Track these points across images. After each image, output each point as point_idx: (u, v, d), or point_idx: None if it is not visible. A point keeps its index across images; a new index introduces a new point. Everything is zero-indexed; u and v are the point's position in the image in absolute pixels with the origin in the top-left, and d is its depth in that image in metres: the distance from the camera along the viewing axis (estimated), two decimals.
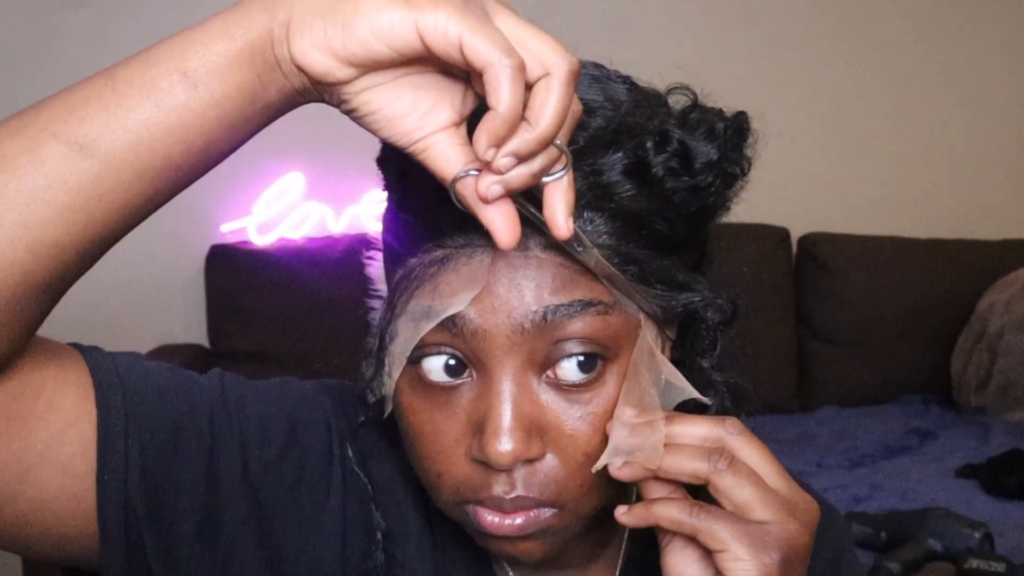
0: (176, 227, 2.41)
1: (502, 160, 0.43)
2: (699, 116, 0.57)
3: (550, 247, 0.51)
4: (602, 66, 0.57)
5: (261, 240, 2.37)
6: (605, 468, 0.53)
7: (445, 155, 0.46)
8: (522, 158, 0.44)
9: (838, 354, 2.54)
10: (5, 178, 0.44)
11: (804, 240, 2.62)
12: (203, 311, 2.36)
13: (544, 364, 0.53)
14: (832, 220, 2.64)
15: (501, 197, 0.45)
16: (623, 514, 0.53)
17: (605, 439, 0.53)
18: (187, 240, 2.38)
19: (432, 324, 0.52)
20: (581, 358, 0.52)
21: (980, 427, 2.28)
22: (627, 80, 0.57)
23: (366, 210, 2.42)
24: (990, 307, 2.44)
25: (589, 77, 0.56)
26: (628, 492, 0.62)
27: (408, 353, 0.53)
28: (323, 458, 0.62)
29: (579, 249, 0.51)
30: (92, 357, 0.55)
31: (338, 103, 0.46)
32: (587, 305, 0.52)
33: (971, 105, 2.81)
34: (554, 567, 0.65)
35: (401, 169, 0.55)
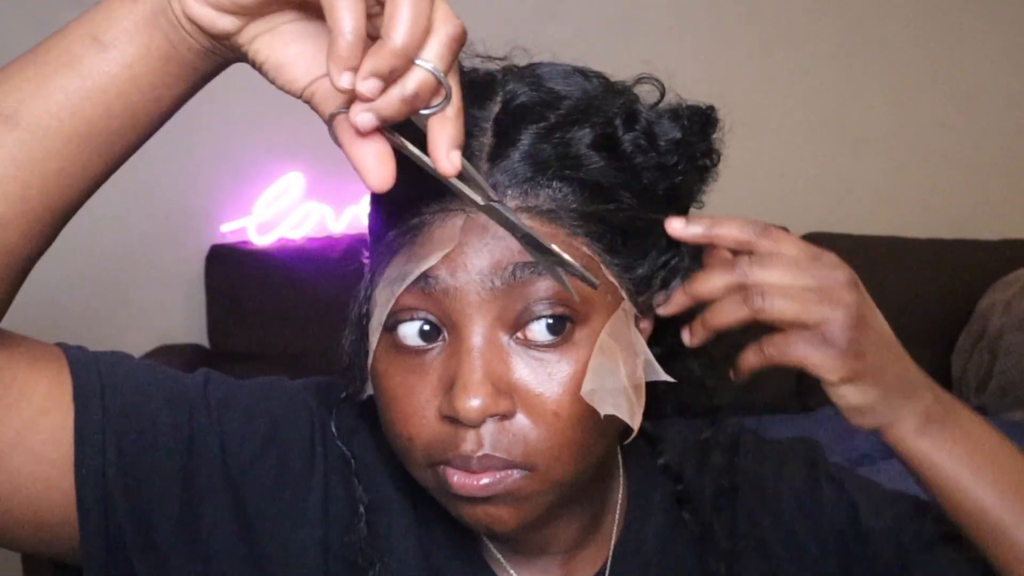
0: (176, 227, 2.42)
1: (364, 83, 0.41)
2: (666, 103, 0.60)
3: (521, 210, 0.53)
4: (582, 68, 0.59)
5: (261, 240, 2.37)
6: (577, 435, 0.54)
7: (327, 100, 0.45)
8: (384, 77, 0.41)
9: None
10: None
11: (804, 240, 2.61)
12: (203, 311, 2.36)
13: (515, 325, 0.54)
14: (832, 220, 2.64)
15: (375, 130, 0.43)
16: (689, 339, 0.59)
17: (574, 399, 0.54)
18: (187, 240, 2.38)
19: (406, 283, 0.54)
20: (550, 320, 0.54)
21: None
22: (601, 76, 0.59)
23: (366, 210, 2.41)
24: (990, 307, 2.44)
25: (566, 71, 0.58)
26: (605, 462, 0.62)
27: (384, 318, 0.55)
28: (305, 452, 0.63)
29: (482, 203, 0.49)
30: (72, 353, 0.57)
31: (242, 56, 0.48)
32: (557, 265, 0.53)
33: (971, 105, 2.81)
34: (542, 552, 0.65)
35: None
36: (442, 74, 0.43)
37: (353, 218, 2.43)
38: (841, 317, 0.56)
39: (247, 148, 2.41)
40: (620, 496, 0.69)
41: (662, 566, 0.68)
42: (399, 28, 0.41)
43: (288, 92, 0.47)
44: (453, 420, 0.54)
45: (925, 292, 2.55)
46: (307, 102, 0.47)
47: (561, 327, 0.54)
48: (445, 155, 0.44)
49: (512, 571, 0.65)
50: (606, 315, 0.56)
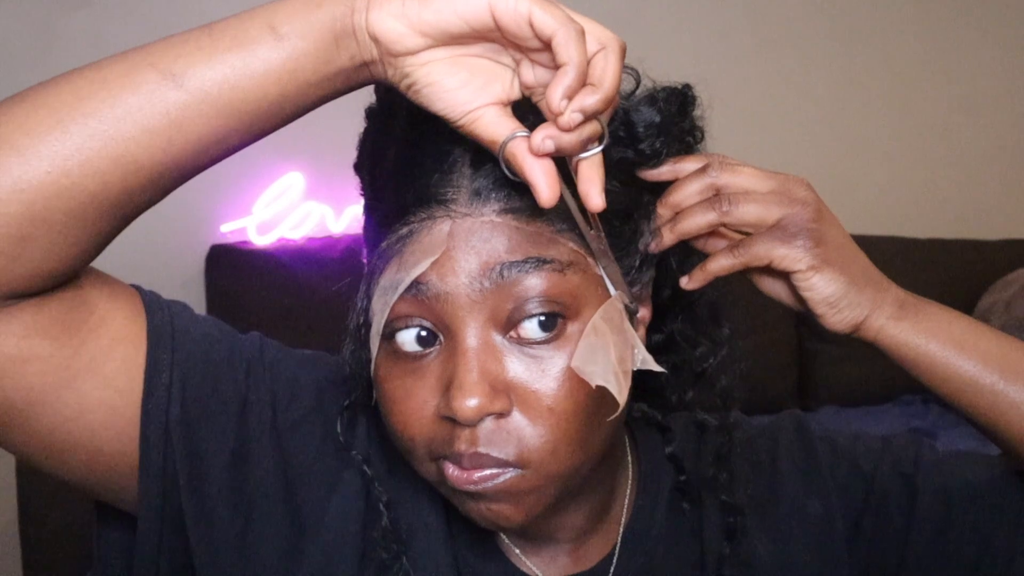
0: (176, 227, 2.41)
1: (571, 115, 0.48)
2: (642, 90, 0.62)
3: (505, 212, 0.55)
4: None
5: (261, 240, 2.37)
6: (572, 429, 0.55)
7: (496, 123, 0.51)
8: (587, 115, 0.48)
9: (838, 354, 2.54)
10: (103, 95, 0.49)
11: None
12: (203, 311, 2.35)
13: (507, 324, 0.55)
14: None
15: (548, 155, 0.49)
16: (687, 283, 0.62)
17: (569, 394, 0.55)
18: (187, 240, 2.38)
19: (399, 293, 0.55)
20: (542, 318, 0.55)
21: None
22: None
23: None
24: (990, 307, 2.44)
25: None
26: (611, 451, 0.63)
27: (382, 328, 0.57)
28: (345, 425, 0.66)
29: (592, 232, 0.55)
30: (147, 295, 0.61)
31: (400, 77, 0.51)
32: (542, 262, 0.55)
33: (971, 105, 2.81)
34: (551, 540, 0.67)
35: (372, 163, 0.60)
36: (607, 128, 0.51)
37: (353, 218, 2.43)
38: (800, 210, 0.60)
39: (247, 148, 2.41)
40: (629, 483, 0.70)
41: (669, 551, 0.69)
42: (611, 79, 0.49)
43: (444, 116, 0.51)
44: (450, 420, 0.55)
45: (925, 292, 2.52)
46: (464, 127, 0.51)
47: (553, 323, 0.55)
48: (597, 193, 0.51)
49: (524, 558, 0.67)
50: (597, 307, 0.57)
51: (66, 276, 0.53)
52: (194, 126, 0.51)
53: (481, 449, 0.55)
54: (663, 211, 0.61)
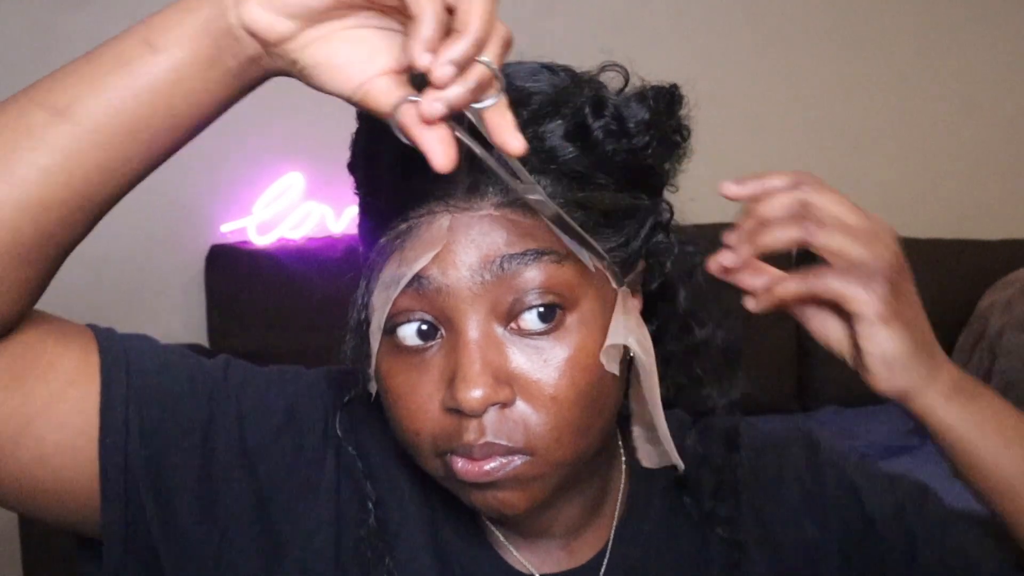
0: (176, 227, 2.42)
1: (441, 68, 0.45)
2: (631, 87, 0.61)
3: (502, 205, 0.55)
4: (548, 64, 0.61)
5: (261, 240, 2.37)
6: (575, 416, 0.56)
7: (386, 91, 0.49)
8: (459, 65, 0.46)
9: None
10: None
11: None
12: (203, 311, 2.36)
13: (507, 316, 0.56)
14: None
15: (441, 118, 0.47)
16: (753, 304, 0.60)
17: (571, 382, 0.56)
18: (187, 240, 2.39)
19: (400, 287, 0.56)
20: (541, 309, 0.56)
21: None
22: (568, 69, 0.61)
23: None
24: (990, 307, 2.44)
25: (532, 68, 0.59)
26: (604, 442, 0.63)
27: (383, 323, 0.57)
28: (319, 436, 0.66)
29: (523, 184, 0.53)
30: (100, 332, 0.61)
31: (289, 64, 0.50)
32: (540, 254, 0.55)
33: (971, 105, 2.81)
34: (544, 534, 0.67)
35: (367, 161, 0.60)
36: (498, 69, 0.48)
37: (353, 218, 2.42)
38: (888, 257, 0.57)
39: (247, 148, 2.41)
40: (622, 480, 0.70)
41: (662, 549, 0.69)
42: (476, 22, 0.46)
43: (337, 93, 0.50)
44: (456, 411, 0.55)
45: (925, 292, 2.52)
46: (358, 102, 0.50)
47: (552, 314, 0.56)
48: (512, 137, 0.49)
49: (516, 553, 0.67)
50: (594, 298, 0.58)
51: (5, 327, 0.53)
52: (91, 156, 0.50)
53: (490, 438, 0.55)
54: (746, 223, 0.59)
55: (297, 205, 2.42)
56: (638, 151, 0.60)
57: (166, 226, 2.42)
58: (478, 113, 0.49)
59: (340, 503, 0.65)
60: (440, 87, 0.46)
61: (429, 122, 0.47)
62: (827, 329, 0.61)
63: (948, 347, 2.52)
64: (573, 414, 0.56)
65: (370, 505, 0.64)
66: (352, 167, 0.63)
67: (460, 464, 0.56)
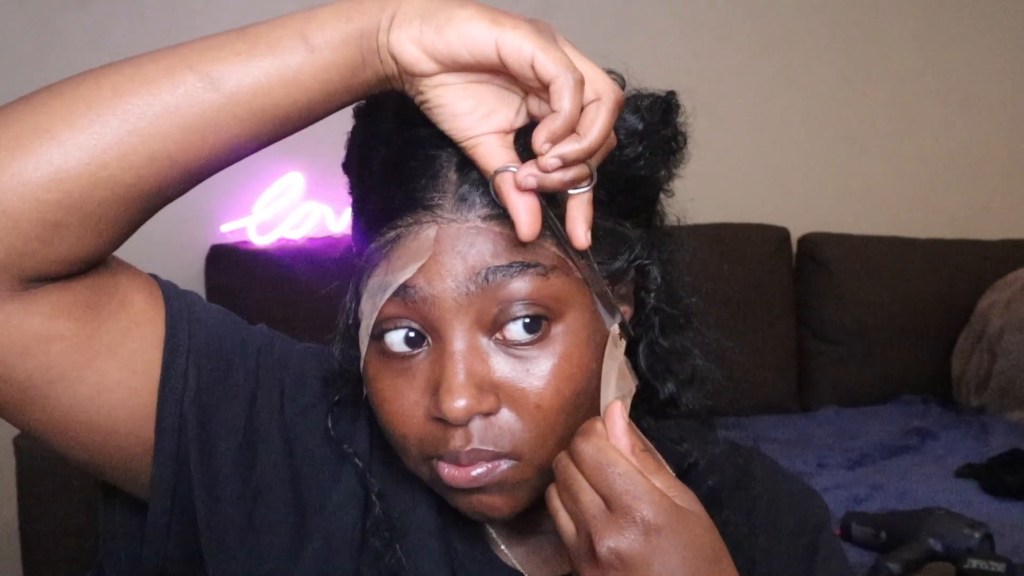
0: (176, 227, 2.41)
1: (550, 159, 0.50)
2: (626, 96, 0.61)
3: (490, 218, 0.56)
4: None
5: (261, 240, 2.37)
6: (560, 423, 0.58)
7: (492, 152, 0.53)
8: (566, 163, 0.51)
9: (838, 354, 2.54)
10: (142, 92, 0.52)
11: (804, 240, 2.62)
12: None
13: (493, 327, 0.57)
14: (832, 220, 2.64)
15: (532, 190, 0.52)
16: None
17: (555, 391, 0.57)
18: (187, 240, 2.38)
19: (387, 296, 0.57)
20: (527, 320, 0.57)
21: (980, 427, 2.28)
22: None
23: None
24: (990, 307, 2.44)
25: None
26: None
27: (371, 328, 0.58)
28: (347, 416, 0.67)
29: (580, 258, 0.56)
30: (164, 283, 0.63)
31: (415, 93, 0.53)
32: (526, 267, 0.56)
33: (971, 105, 2.81)
34: (533, 532, 0.68)
35: (360, 164, 0.61)
36: (596, 171, 0.53)
37: None
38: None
39: None
40: None
41: None
42: (596, 134, 0.51)
43: (452, 136, 0.54)
44: (441, 420, 0.57)
45: (925, 292, 2.55)
46: (467, 150, 0.54)
47: (537, 326, 0.57)
48: (583, 233, 0.54)
49: (507, 551, 0.68)
50: (580, 310, 0.59)
51: (93, 262, 0.55)
52: (228, 127, 0.53)
53: (476, 445, 0.57)
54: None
55: (297, 205, 2.42)
56: (629, 162, 0.60)
57: (166, 226, 2.41)
58: (566, 196, 0.54)
59: (367, 486, 0.66)
60: (543, 170, 0.51)
61: (522, 191, 0.52)
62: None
63: (948, 347, 2.52)
64: (558, 421, 0.58)
65: (373, 496, 0.65)
66: (347, 167, 0.64)
67: (447, 470, 0.57)
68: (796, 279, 2.58)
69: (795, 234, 2.61)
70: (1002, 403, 2.36)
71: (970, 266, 2.59)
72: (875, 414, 2.41)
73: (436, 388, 0.57)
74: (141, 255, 2.41)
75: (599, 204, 0.57)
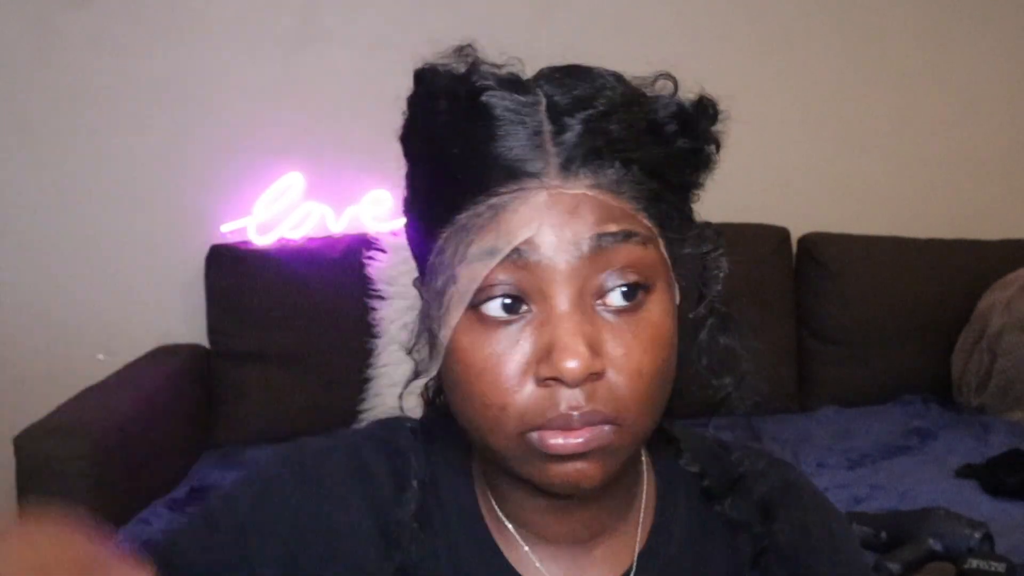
0: (176, 227, 2.42)
1: None
2: (683, 95, 0.64)
3: (594, 187, 0.58)
4: (601, 69, 0.62)
5: (261, 240, 2.37)
6: (655, 390, 0.60)
7: None
8: None
9: (838, 354, 2.54)
10: None
11: (804, 240, 2.62)
12: (203, 311, 2.36)
13: (597, 292, 0.58)
14: (832, 220, 2.64)
15: None
16: None
17: (653, 358, 0.59)
18: (187, 240, 2.38)
19: (499, 258, 0.57)
20: (624, 288, 0.59)
21: (980, 427, 2.28)
22: (620, 75, 0.63)
23: (366, 210, 2.42)
24: (990, 307, 2.44)
25: (594, 69, 0.61)
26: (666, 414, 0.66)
27: (471, 293, 0.58)
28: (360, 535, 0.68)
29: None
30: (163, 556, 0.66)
31: None
32: (630, 235, 0.58)
33: (971, 105, 2.81)
34: (570, 537, 0.68)
35: (438, 143, 0.60)
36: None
37: (353, 218, 2.43)
38: None
39: (247, 148, 2.41)
40: (644, 493, 0.71)
41: (688, 566, 0.70)
42: None
43: None
44: (549, 384, 0.57)
45: (925, 292, 2.55)
46: None
47: (634, 294, 0.59)
48: None
49: (540, 566, 0.68)
50: (665, 284, 0.61)
51: None
52: None
53: (587, 407, 0.57)
54: None
55: (297, 205, 2.42)
56: (694, 154, 0.63)
57: (166, 226, 2.42)
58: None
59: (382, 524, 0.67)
60: None
61: None
62: None
63: (948, 347, 2.52)
64: (654, 388, 0.59)
65: (415, 484, 0.67)
66: (410, 151, 0.64)
67: (553, 440, 0.57)
68: (796, 279, 2.58)
69: (795, 234, 2.61)
70: (1002, 403, 2.36)
71: (970, 266, 2.58)
72: (875, 414, 2.41)
73: (547, 350, 0.57)
74: (141, 255, 2.41)
75: (674, 188, 0.61)
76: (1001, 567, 1.47)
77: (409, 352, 0.64)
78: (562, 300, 0.57)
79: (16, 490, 1.71)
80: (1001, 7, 2.82)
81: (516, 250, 0.57)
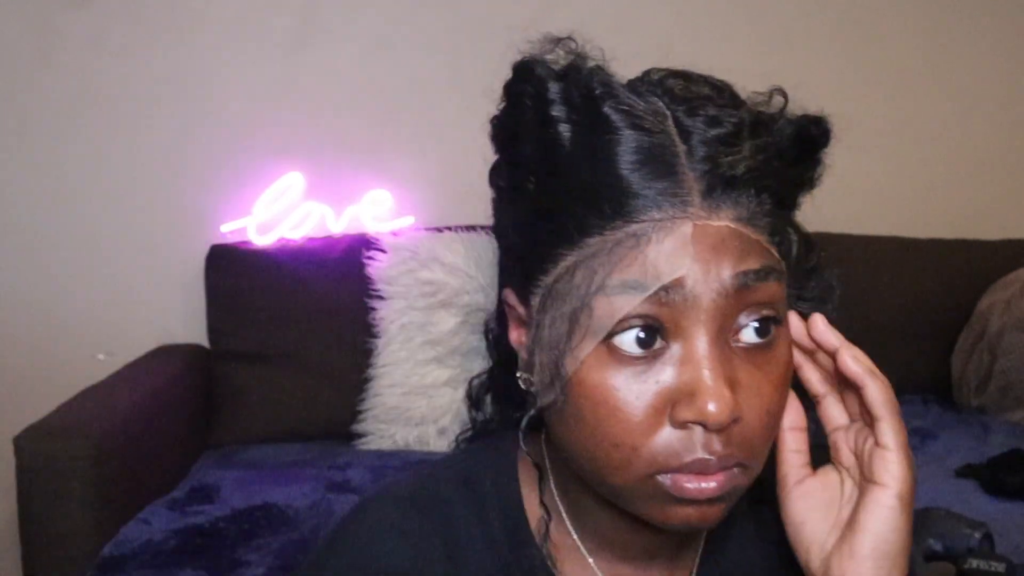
0: (176, 227, 2.42)
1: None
2: (792, 112, 0.62)
3: (736, 220, 0.55)
4: (714, 81, 0.61)
5: (261, 240, 2.37)
6: (776, 429, 0.60)
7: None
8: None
9: None
10: None
11: None
12: (203, 311, 2.36)
13: (734, 329, 0.56)
14: (832, 220, 2.64)
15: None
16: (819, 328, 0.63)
17: (781, 396, 0.58)
18: (187, 240, 2.38)
19: (646, 295, 0.53)
20: (757, 324, 0.56)
21: (980, 427, 2.28)
22: (729, 86, 0.62)
23: (366, 210, 2.42)
24: (990, 307, 2.44)
25: (707, 79, 0.60)
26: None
27: (608, 328, 0.54)
28: None
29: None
30: None
31: None
32: (771, 271, 0.56)
33: (971, 105, 2.81)
34: (650, 556, 0.67)
35: (551, 145, 0.56)
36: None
37: (353, 218, 2.43)
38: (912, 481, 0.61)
39: (247, 148, 2.41)
40: None
41: (746, 564, 0.70)
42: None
43: None
44: (689, 427, 0.54)
45: (925, 292, 2.55)
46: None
47: (768, 329, 0.57)
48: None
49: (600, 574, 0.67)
50: (786, 316, 0.60)
51: None
52: None
53: (724, 451, 0.55)
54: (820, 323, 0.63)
55: (297, 205, 2.42)
56: (814, 179, 0.63)
57: (166, 226, 2.42)
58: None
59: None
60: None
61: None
62: (833, 410, 0.68)
63: (948, 347, 2.52)
64: (775, 428, 0.58)
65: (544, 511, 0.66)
66: (513, 139, 0.60)
67: (688, 484, 0.55)
68: None
69: None
70: (1002, 403, 2.36)
71: (970, 266, 2.59)
72: None
73: (687, 392, 0.54)
74: (141, 255, 2.41)
75: (791, 212, 0.60)
76: (1001, 567, 1.47)
77: (522, 376, 0.61)
78: (703, 339, 0.54)
79: (16, 490, 1.71)
80: (1001, 7, 2.82)
81: (664, 287, 0.54)
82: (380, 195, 2.43)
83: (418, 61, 2.44)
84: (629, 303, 0.54)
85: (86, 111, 2.34)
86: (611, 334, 0.55)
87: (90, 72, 2.33)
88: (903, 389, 2.65)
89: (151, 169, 2.39)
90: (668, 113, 0.55)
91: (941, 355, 2.53)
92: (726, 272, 0.54)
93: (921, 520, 1.58)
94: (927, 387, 2.53)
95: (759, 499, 0.70)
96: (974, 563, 1.48)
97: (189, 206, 2.41)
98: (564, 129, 0.56)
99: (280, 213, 2.40)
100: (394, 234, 2.27)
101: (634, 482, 0.56)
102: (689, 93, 0.57)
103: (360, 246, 2.27)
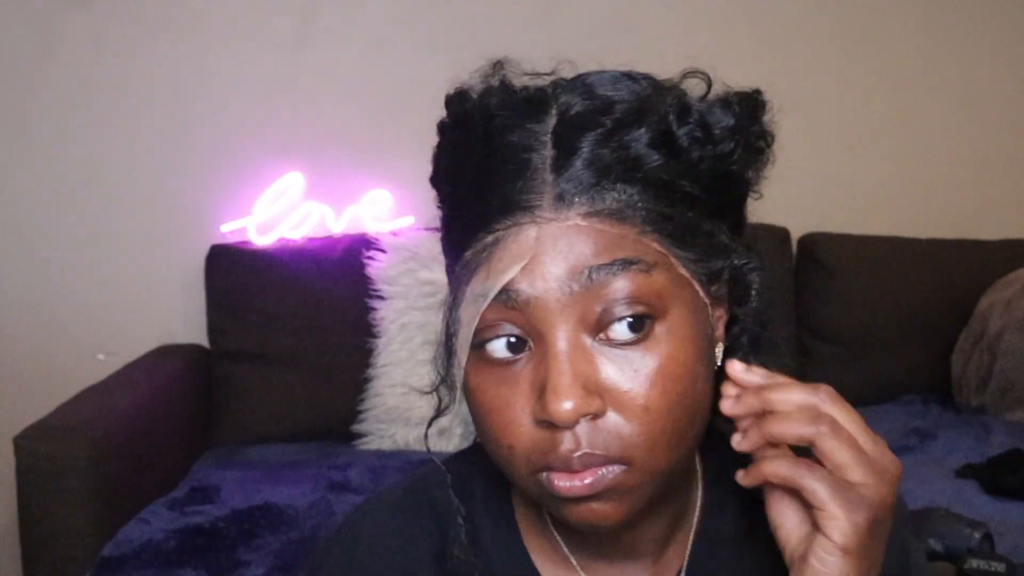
0: (176, 227, 2.42)
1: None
2: (713, 93, 0.61)
3: (590, 215, 0.55)
4: (628, 72, 0.60)
5: (261, 240, 2.37)
6: (669, 426, 0.56)
7: None
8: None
9: (838, 354, 2.54)
10: None
11: (804, 240, 2.62)
12: (203, 311, 2.36)
13: (597, 327, 0.56)
14: (832, 220, 2.64)
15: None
16: (742, 477, 0.58)
17: (662, 392, 0.56)
18: (187, 240, 2.38)
19: (488, 300, 0.56)
20: (630, 319, 0.55)
21: (980, 427, 2.28)
22: (648, 76, 0.61)
23: (366, 210, 2.42)
24: (990, 307, 2.44)
25: (614, 76, 0.59)
26: (695, 451, 0.64)
27: (471, 336, 0.57)
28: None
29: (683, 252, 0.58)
30: None
31: None
32: (628, 263, 0.55)
33: (971, 105, 2.81)
34: (632, 554, 0.67)
35: (452, 174, 0.60)
36: None
37: (353, 218, 2.43)
38: (883, 493, 0.55)
39: (247, 148, 2.41)
40: (699, 495, 0.70)
41: (737, 564, 0.69)
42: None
43: None
44: (548, 424, 0.55)
45: (925, 292, 2.55)
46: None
47: (641, 324, 0.56)
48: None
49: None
50: (683, 308, 0.58)
51: None
52: None
53: (586, 448, 0.55)
54: (752, 400, 0.57)
55: (297, 205, 2.42)
56: (724, 157, 0.60)
57: (166, 226, 2.42)
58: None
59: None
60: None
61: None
62: (783, 517, 0.58)
63: (948, 347, 2.52)
64: (666, 424, 0.56)
65: (460, 520, 0.66)
66: (435, 181, 0.63)
67: (559, 482, 0.56)
68: (796, 279, 2.58)
69: (795, 234, 2.61)
70: (1002, 403, 2.36)
71: (970, 266, 2.58)
72: (875, 414, 2.40)
73: (541, 391, 0.55)
74: (141, 255, 2.42)
75: (694, 201, 0.57)
76: (1001, 567, 1.47)
77: (435, 390, 0.64)
78: (558, 338, 0.55)
79: (16, 490, 1.71)
80: (1001, 7, 2.82)
81: (506, 291, 0.55)
82: (380, 195, 2.43)
83: (418, 61, 2.44)
84: (478, 311, 0.56)
85: (86, 111, 2.34)
86: (484, 341, 0.57)
87: (90, 72, 2.33)
88: (903, 389, 2.66)
89: (151, 169, 2.39)
90: (554, 118, 0.57)
91: (941, 355, 2.53)
92: (567, 270, 0.55)
93: (921, 520, 1.58)
94: (927, 387, 2.53)
95: (759, 499, 0.70)
96: (974, 563, 1.48)
97: (189, 206, 2.41)
98: (456, 151, 0.60)
99: (280, 213, 2.40)
100: (394, 234, 2.28)
101: (523, 480, 0.58)
102: (586, 93, 0.58)
103: (360, 246, 2.27)
